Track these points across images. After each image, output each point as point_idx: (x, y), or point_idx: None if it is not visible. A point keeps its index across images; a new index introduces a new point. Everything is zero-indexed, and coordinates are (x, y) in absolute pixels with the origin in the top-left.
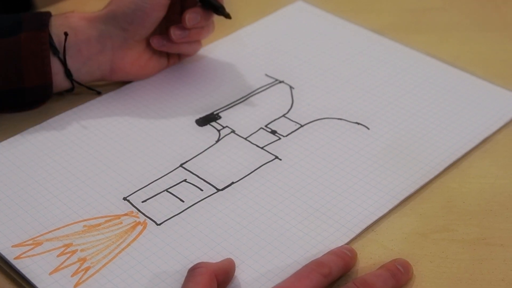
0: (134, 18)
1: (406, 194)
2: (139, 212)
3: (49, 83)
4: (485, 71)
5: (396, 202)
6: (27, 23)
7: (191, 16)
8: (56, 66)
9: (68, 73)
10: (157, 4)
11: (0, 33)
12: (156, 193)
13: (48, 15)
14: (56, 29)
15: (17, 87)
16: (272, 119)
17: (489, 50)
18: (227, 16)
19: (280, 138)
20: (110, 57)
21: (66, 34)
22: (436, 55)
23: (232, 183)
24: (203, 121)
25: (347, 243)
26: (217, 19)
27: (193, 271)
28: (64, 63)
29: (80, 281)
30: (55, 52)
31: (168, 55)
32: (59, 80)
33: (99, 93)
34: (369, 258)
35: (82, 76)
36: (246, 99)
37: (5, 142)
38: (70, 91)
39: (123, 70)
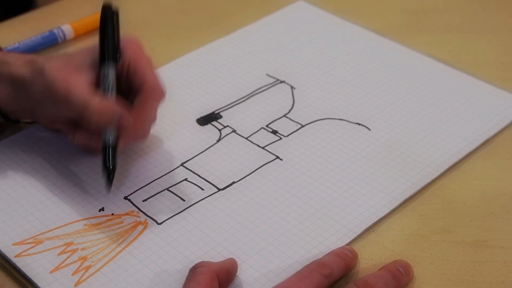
0: (39, 115)
1: (407, 195)
2: (140, 212)
3: None
4: (486, 73)
5: (397, 203)
6: None
7: (79, 138)
8: None
9: (4, 117)
10: (58, 115)
11: None
12: (157, 192)
13: None
14: None
15: None
16: (273, 119)
17: (490, 52)
18: (109, 183)
19: (281, 138)
20: (30, 114)
21: None
22: (436, 57)
23: (233, 182)
24: (204, 121)
25: (348, 244)
26: (218, 17)
27: (194, 271)
28: None
29: (81, 280)
30: None
31: None
32: None
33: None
34: (370, 259)
35: (15, 118)
36: (247, 98)
37: (6, 140)
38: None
39: (44, 124)
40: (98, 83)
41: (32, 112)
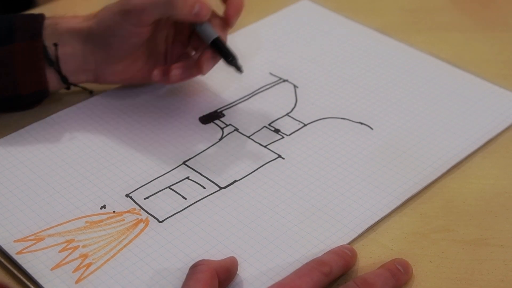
0: (111, 42)
1: (408, 195)
2: (141, 209)
3: (45, 89)
4: (487, 72)
5: (398, 202)
6: (20, 31)
7: (206, 65)
8: (50, 73)
9: (64, 80)
10: (134, 32)
11: None
12: (158, 190)
13: (40, 21)
14: (47, 39)
15: (12, 94)
16: (276, 118)
17: (491, 51)
18: (239, 68)
19: (283, 137)
20: (93, 70)
21: (55, 45)
22: (437, 55)
23: (235, 181)
24: (207, 119)
25: (348, 243)
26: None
27: (194, 269)
28: (59, 71)
29: (82, 277)
30: (50, 63)
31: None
32: (54, 84)
33: (90, 93)
34: (369, 257)
35: (73, 80)
36: (250, 97)
37: (8, 137)
38: (66, 89)
39: (109, 80)
40: None
41: (97, 69)
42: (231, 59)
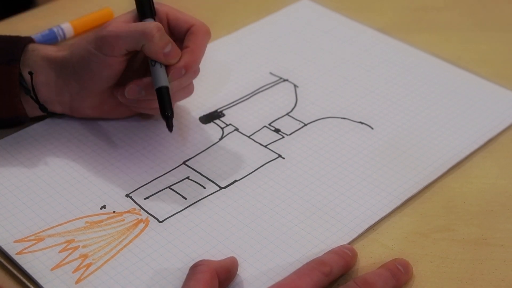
0: (83, 74)
1: (408, 195)
2: (141, 210)
3: (23, 115)
4: (487, 71)
5: (398, 202)
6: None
7: (130, 89)
8: (28, 101)
9: (42, 108)
10: (106, 63)
11: None
12: (158, 190)
13: (22, 46)
14: (24, 65)
15: None
16: (276, 118)
17: (492, 50)
18: (170, 127)
19: (283, 137)
20: (68, 101)
21: (31, 73)
22: (438, 55)
23: (235, 181)
24: (207, 119)
25: (348, 243)
26: (221, 16)
27: (194, 269)
28: (36, 100)
29: (82, 277)
30: (26, 92)
31: None
32: (33, 111)
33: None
34: (370, 257)
35: (51, 110)
36: (250, 97)
37: (8, 138)
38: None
39: (83, 113)
40: None
41: (71, 101)
42: (168, 114)
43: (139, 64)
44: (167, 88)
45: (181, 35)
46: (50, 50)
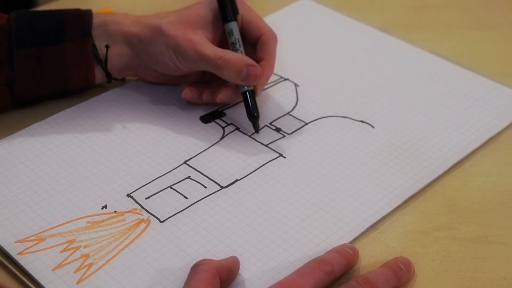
0: (154, 60)
1: (410, 193)
2: (142, 209)
3: (92, 84)
4: (488, 70)
5: (400, 201)
6: (70, 30)
7: (224, 94)
8: (97, 70)
9: (108, 76)
10: (180, 71)
11: (44, 40)
12: (159, 190)
13: (89, 18)
14: (97, 38)
15: (61, 89)
16: (277, 117)
17: (492, 48)
18: (257, 128)
19: (284, 136)
20: (135, 69)
21: (107, 46)
22: (438, 53)
23: (236, 180)
24: (208, 118)
25: (350, 242)
26: None
27: (195, 268)
28: (105, 69)
29: (83, 277)
30: (99, 62)
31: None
32: (98, 79)
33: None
34: (371, 256)
35: (116, 76)
36: None
37: (9, 137)
38: (108, 82)
39: (147, 79)
40: (215, 39)
41: (138, 69)
42: (255, 114)
43: None
44: (252, 91)
45: (251, 39)
46: (123, 25)
